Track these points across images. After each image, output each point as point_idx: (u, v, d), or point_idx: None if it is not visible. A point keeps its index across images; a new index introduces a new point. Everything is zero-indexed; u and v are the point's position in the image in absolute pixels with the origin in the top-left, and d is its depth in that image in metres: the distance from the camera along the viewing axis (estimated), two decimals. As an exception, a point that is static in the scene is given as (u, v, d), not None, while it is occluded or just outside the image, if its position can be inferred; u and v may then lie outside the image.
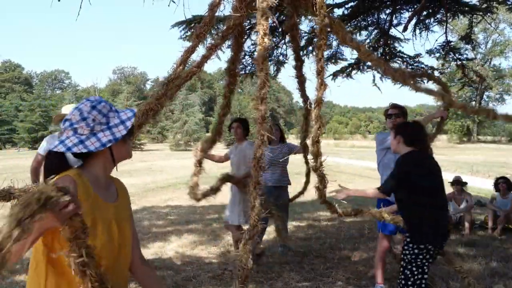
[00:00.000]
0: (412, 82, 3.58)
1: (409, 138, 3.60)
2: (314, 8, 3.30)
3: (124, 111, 1.78)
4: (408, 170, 3.46)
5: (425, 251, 3.36)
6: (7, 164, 26.17)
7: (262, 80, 2.46)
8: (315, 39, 7.24)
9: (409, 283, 3.40)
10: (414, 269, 3.39)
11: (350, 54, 7.98)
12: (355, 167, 25.04)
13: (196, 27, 3.11)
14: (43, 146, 5.11)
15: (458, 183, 8.02)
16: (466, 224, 7.56)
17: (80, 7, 5.73)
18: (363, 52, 3.57)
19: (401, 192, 3.54)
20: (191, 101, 58.50)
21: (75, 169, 1.67)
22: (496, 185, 8.12)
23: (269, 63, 7.24)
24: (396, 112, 4.56)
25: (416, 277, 3.38)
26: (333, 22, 3.50)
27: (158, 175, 19.91)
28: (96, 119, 1.66)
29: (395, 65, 8.00)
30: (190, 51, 3.24)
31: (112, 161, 1.76)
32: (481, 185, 13.00)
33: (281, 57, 7.77)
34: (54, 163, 1.67)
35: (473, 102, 61.20)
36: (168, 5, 6.80)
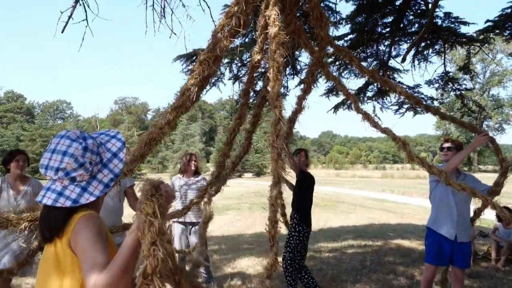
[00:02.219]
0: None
1: (308, 164, 5.74)
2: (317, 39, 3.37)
3: (110, 140, 1.66)
4: (306, 178, 5.50)
5: (305, 229, 5.33)
6: (7, 195, 26.01)
7: (277, 117, 2.45)
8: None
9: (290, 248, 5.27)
10: (295, 238, 5.29)
11: (352, 85, 8.07)
12: (356, 197, 24.91)
13: (199, 53, 3.13)
14: None
15: (460, 213, 7.95)
16: (470, 255, 7.46)
17: (83, 39, 5.84)
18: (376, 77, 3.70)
19: (297, 187, 5.49)
20: (191, 131, 58.75)
21: (85, 209, 1.53)
22: (498, 215, 8.05)
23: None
24: (449, 145, 4.58)
25: (295, 244, 5.27)
26: (343, 50, 3.61)
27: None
28: (92, 161, 1.53)
29: (395, 96, 8.07)
30: (193, 78, 3.25)
31: (105, 195, 1.67)
32: (483, 215, 12.91)
33: (282, 89, 7.84)
34: (57, 217, 1.50)
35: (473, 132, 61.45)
36: (169, 37, 6.94)
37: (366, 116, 3.64)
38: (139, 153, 3.15)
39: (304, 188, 5.47)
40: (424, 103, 4.44)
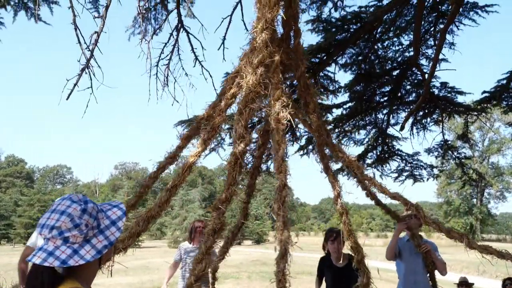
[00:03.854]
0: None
1: None
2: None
3: (111, 208, 1.63)
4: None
5: None
6: (1, 262, 25.48)
7: (282, 183, 2.39)
8: (314, 138, 7.44)
9: None
10: None
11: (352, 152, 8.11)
12: (358, 266, 24.29)
13: (203, 131, 3.16)
14: (33, 239, 4.98)
15: (465, 284, 7.72)
16: (477, 329, 7.16)
17: (87, 106, 5.95)
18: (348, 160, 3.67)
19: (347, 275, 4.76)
20: (191, 196, 58.34)
21: (73, 281, 1.48)
22: (504, 286, 7.80)
23: (269, 162, 7.34)
24: (409, 213, 4.86)
25: None
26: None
27: (155, 273, 19.30)
28: (89, 224, 1.49)
29: (395, 163, 8.11)
30: (196, 155, 3.27)
31: (98, 264, 1.61)
32: (489, 285, 12.55)
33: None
34: (43, 278, 1.44)
35: (474, 199, 61.11)
36: (172, 104, 7.08)
37: (371, 195, 3.67)
38: (136, 230, 3.08)
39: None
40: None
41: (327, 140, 3.52)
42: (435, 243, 5.25)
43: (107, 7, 5.83)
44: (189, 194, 58.27)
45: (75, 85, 5.63)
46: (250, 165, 4.18)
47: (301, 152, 7.79)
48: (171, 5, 7.26)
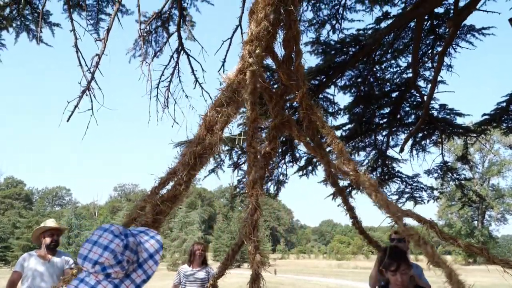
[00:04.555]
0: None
1: None
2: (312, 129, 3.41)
3: (149, 240, 1.64)
4: None
5: None
6: (-3, 284, 25.13)
7: (253, 206, 2.36)
8: (314, 159, 7.43)
9: None
10: None
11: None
12: (359, 289, 24.01)
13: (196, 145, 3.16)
14: (19, 263, 5.02)
15: (468, 307, 7.62)
16: None
17: (87, 127, 5.97)
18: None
19: None
20: (190, 218, 57.95)
21: None
22: (508, 310, 7.70)
23: (269, 183, 7.32)
24: (398, 237, 4.83)
25: None
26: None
27: (154, 296, 19.03)
28: (130, 260, 1.51)
29: (394, 185, 8.08)
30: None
31: None
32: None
33: (281, 177, 7.86)
34: None
35: (475, 222, 60.78)
36: (172, 126, 7.11)
37: (356, 223, 3.62)
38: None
39: None
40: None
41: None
42: (421, 266, 5.08)
43: (108, 30, 5.90)
44: (189, 216, 57.93)
45: (75, 107, 5.65)
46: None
47: (301, 173, 7.76)
48: (172, 28, 7.35)
